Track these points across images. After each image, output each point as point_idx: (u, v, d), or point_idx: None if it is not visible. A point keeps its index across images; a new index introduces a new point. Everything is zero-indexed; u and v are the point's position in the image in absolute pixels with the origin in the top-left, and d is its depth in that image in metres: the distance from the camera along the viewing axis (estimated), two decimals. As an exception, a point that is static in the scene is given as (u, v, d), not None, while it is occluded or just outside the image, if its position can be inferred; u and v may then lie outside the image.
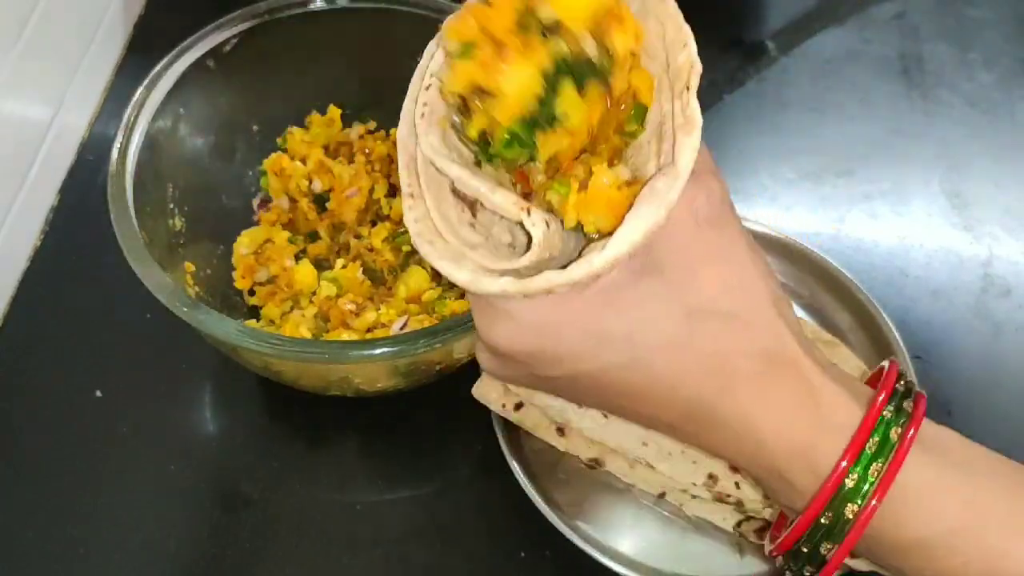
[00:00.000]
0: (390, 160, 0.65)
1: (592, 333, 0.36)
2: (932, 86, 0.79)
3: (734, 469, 0.53)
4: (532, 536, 0.56)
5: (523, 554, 0.56)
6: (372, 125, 0.67)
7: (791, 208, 0.72)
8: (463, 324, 0.49)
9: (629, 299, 0.36)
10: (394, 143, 0.65)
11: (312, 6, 0.60)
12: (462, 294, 0.61)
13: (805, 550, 0.38)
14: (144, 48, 0.77)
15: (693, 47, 0.36)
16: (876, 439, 0.36)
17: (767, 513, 0.53)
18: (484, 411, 0.56)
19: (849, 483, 0.36)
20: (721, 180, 0.38)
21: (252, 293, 0.62)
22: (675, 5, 0.37)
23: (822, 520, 0.37)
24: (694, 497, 0.54)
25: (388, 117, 0.66)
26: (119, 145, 0.53)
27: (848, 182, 0.73)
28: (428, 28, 0.59)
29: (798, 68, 0.79)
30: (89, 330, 0.63)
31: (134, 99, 0.55)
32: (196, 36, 0.57)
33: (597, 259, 0.33)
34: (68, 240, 0.67)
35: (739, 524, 0.54)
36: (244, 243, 0.62)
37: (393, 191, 0.65)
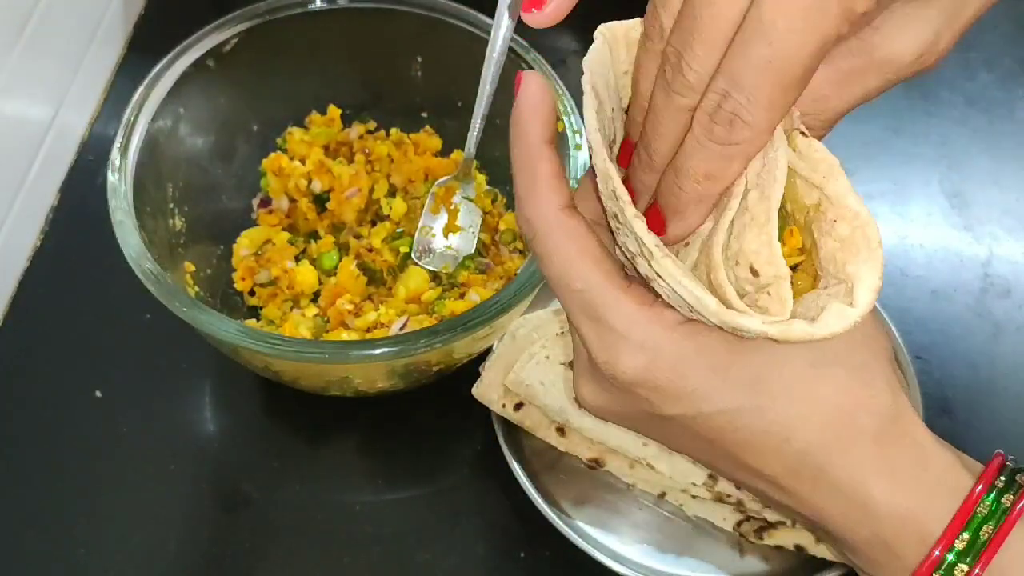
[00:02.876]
0: (390, 160, 0.65)
1: (719, 371, 0.35)
2: (932, 86, 0.79)
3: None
4: (532, 536, 0.56)
5: (523, 554, 0.56)
6: (372, 125, 0.67)
7: (791, 208, 0.72)
8: (463, 324, 0.49)
9: (758, 345, 0.35)
10: (395, 143, 0.66)
11: (312, 6, 0.60)
12: (462, 294, 0.61)
13: None
14: (144, 48, 0.77)
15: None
16: (988, 503, 0.35)
17: (767, 513, 0.53)
18: (484, 411, 0.56)
19: (960, 544, 0.35)
20: None
21: (252, 293, 0.62)
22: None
23: None
24: (694, 497, 0.54)
25: (388, 117, 0.66)
26: (119, 145, 0.53)
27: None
28: (427, 28, 0.60)
29: (798, 68, 0.79)
30: (89, 330, 0.63)
31: (134, 99, 0.55)
32: (196, 36, 0.57)
33: (854, 313, 0.32)
34: (68, 240, 0.67)
35: (739, 524, 0.54)
36: (244, 244, 0.62)
37: (393, 191, 0.65)
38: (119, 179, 0.52)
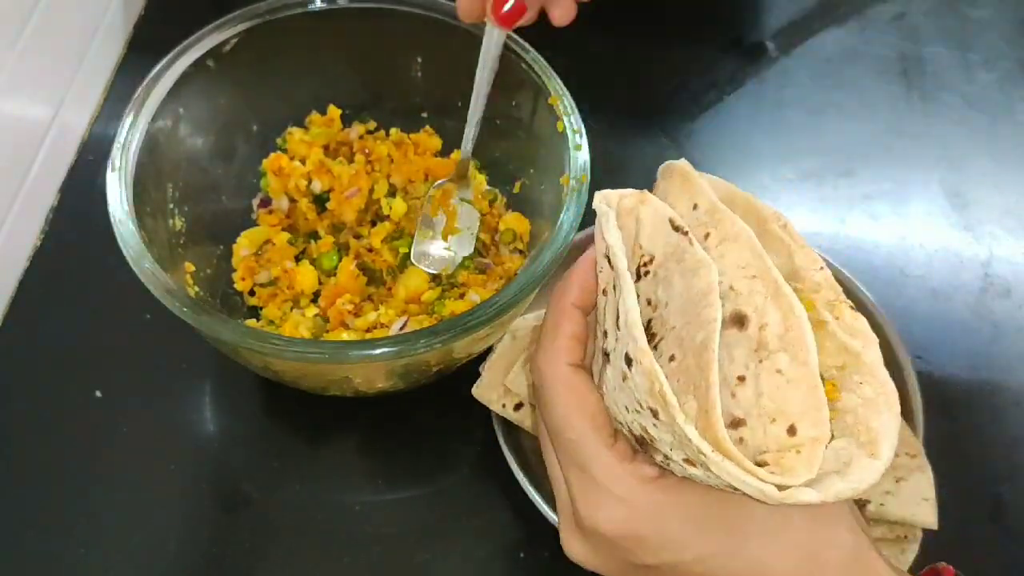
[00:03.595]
0: (390, 160, 0.65)
1: (696, 521, 0.37)
2: (932, 87, 0.79)
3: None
4: (532, 536, 0.56)
5: (523, 554, 0.56)
6: (372, 125, 0.67)
7: (791, 208, 0.72)
8: (463, 324, 0.49)
9: (727, 493, 0.37)
10: (395, 143, 0.66)
11: (312, 6, 0.60)
12: (462, 295, 0.61)
13: None
14: (144, 48, 0.77)
15: (829, 272, 0.39)
16: None
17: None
18: (484, 411, 0.56)
19: None
20: None
21: (252, 293, 0.62)
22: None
23: None
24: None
25: (387, 117, 0.66)
26: (119, 145, 0.53)
27: (848, 182, 0.73)
28: (427, 28, 0.60)
29: (798, 68, 0.79)
30: (89, 330, 0.63)
31: (134, 99, 0.54)
32: (196, 36, 0.57)
33: (880, 465, 0.35)
34: (68, 240, 0.67)
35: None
36: (244, 244, 0.62)
37: (393, 191, 0.65)
38: (119, 179, 0.52)
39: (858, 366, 0.36)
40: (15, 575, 0.55)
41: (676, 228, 0.38)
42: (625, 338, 0.36)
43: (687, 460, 0.35)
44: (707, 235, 0.38)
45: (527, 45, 0.57)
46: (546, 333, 0.40)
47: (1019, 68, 0.80)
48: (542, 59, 0.57)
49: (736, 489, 0.34)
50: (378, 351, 0.49)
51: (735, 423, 0.36)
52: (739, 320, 0.36)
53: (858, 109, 0.77)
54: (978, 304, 0.67)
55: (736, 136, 0.75)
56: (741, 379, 0.36)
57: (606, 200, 0.40)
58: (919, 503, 0.52)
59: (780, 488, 0.33)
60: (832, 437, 0.36)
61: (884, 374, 0.36)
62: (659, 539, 0.38)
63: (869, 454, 0.35)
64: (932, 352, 0.63)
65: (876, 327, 0.59)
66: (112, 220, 0.50)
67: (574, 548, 0.41)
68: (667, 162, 0.40)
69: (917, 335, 0.63)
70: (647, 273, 0.38)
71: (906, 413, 0.57)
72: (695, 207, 0.39)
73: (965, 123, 0.77)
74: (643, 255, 0.39)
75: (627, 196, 0.39)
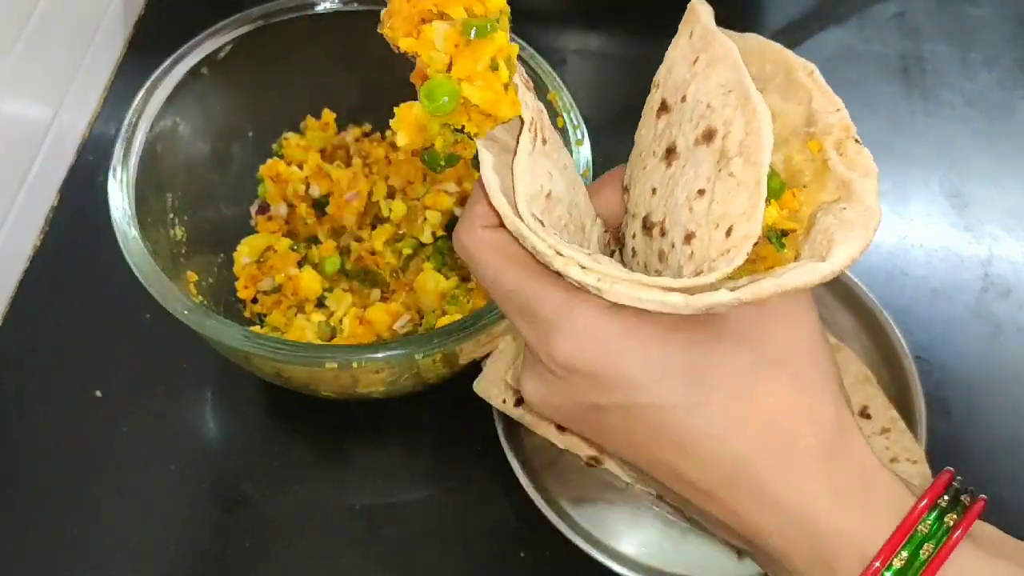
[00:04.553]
0: (387, 162, 0.65)
1: (656, 360, 0.34)
2: (932, 86, 0.79)
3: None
4: (532, 536, 0.56)
5: (523, 554, 0.56)
6: (367, 128, 0.66)
7: (791, 208, 0.72)
8: (465, 326, 0.49)
9: (692, 335, 0.35)
10: (391, 145, 0.65)
11: (305, 11, 0.59)
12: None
13: None
14: (144, 48, 0.77)
15: (846, 113, 0.37)
16: (929, 521, 0.34)
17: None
18: (484, 411, 0.56)
19: (898, 563, 0.34)
20: None
21: (255, 301, 0.62)
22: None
23: None
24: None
25: (383, 120, 0.66)
26: (119, 155, 0.53)
27: (848, 182, 0.73)
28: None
29: (798, 68, 0.79)
30: (89, 330, 0.63)
31: (132, 108, 0.54)
32: (191, 43, 0.57)
33: (826, 267, 0.32)
34: (68, 240, 0.67)
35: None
36: (245, 252, 0.62)
37: (392, 193, 0.65)
38: (121, 190, 0.52)
39: (849, 195, 0.34)
40: (15, 575, 0.55)
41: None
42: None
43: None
44: (696, 59, 0.37)
45: (524, 43, 0.57)
46: (465, 209, 0.38)
47: (1019, 67, 0.80)
48: (539, 56, 0.57)
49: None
50: (381, 355, 0.49)
51: (687, 237, 0.34)
52: (709, 135, 0.35)
53: (858, 108, 0.76)
54: (978, 304, 0.67)
55: (736, 136, 0.75)
56: (701, 192, 0.34)
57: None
58: None
59: (686, 296, 0.32)
60: (783, 246, 0.35)
61: (872, 200, 0.34)
62: (612, 376, 0.35)
63: (820, 259, 0.33)
64: (932, 352, 0.63)
65: (876, 327, 0.60)
66: (117, 233, 0.50)
67: (529, 389, 0.38)
68: None
69: (917, 335, 0.63)
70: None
71: (908, 414, 0.57)
72: (691, 35, 0.38)
73: (965, 122, 0.77)
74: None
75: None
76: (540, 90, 0.57)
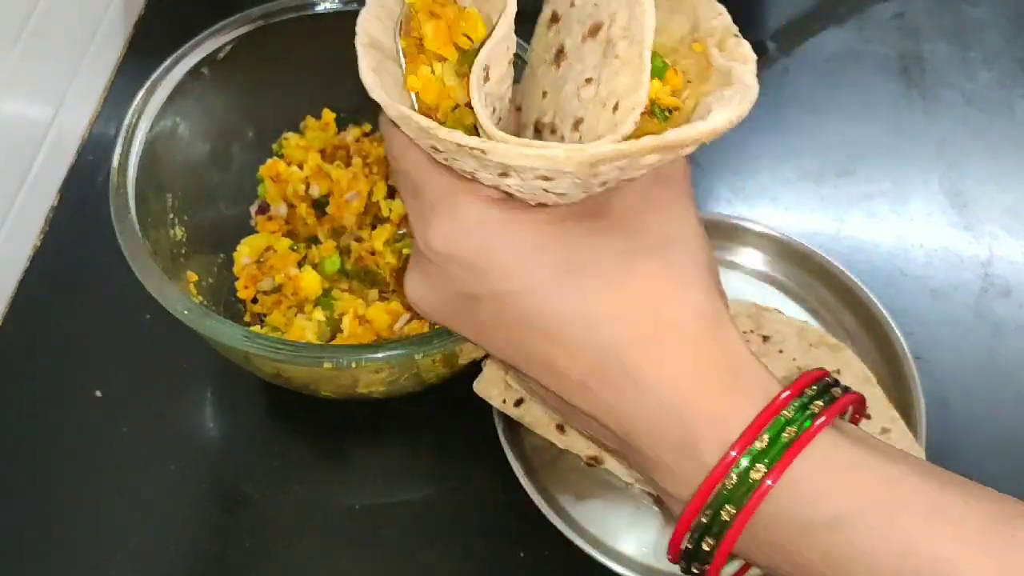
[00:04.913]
0: (387, 162, 0.65)
1: (531, 248, 0.35)
2: (932, 85, 0.79)
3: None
4: (532, 536, 0.56)
5: (523, 554, 0.56)
6: (367, 128, 0.66)
7: (791, 208, 0.72)
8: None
9: (570, 225, 0.35)
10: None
11: (305, 11, 0.59)
12: None
13: (695, 539, 0.35)
14: (144, 48, 0.77)
15: (727, 16, 0.38)
16: (793, 407, 0.34)
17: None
18: (484, 411, 0.56)
19: (759, 445, 0.33)
20: (686, 157, 0.37)
21: (255, 301, 0.62)
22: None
23: (723, 492, 0.33)
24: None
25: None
26: (119, 156, 0.53)
27: (848, 182, 0.73)
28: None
29: (798, 68, 0.79)
30: (89, 330, 0.63)
31: (131, 108, 0.54)
32: (191, 43, 0.57)
33: (704, 125, 0.34)
34: (68, 240, 0.67)
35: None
36: (245, 252, 0.62)
37: (392, 193, 0.65)
38: (121, 192, 0.52)
39: (729, 81, 0.36)
40: (14, 575, 0.55)
41: None
42: None
43: (501, 174, 0.34)
44: None
45: (525, 45, 0.57)
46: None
47: (1019, 66, 0.80)
48: None
49: (543, 177, 0.33)
50: (381, 355, 0.49)
51: (576, 124, 0.35)
52: (595, 29, 0.35)
53: (858, 108, 0.77)
54: (978, 304, 0.67)
55: (736, 136, 0.75)
56: (588, 80, 0.35)
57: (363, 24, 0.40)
58: None
59: (566, 148, 0.33)
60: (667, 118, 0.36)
61: (751, 79, 0.36)
62: (487, 263, 0.35)
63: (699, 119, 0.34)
64: (932, 352, 0.63)
65: (876, 327, 0.60)
66: (118, 234, 0.50)
67: (409, 283, 0.39)
68: None
69: (917, 335, 0.63)
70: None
71: (908, 414, 0.57)
72: None
73: (965, 121, 0.77)
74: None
75: None
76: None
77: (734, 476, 0.33)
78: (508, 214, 0.35)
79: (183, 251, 0.57)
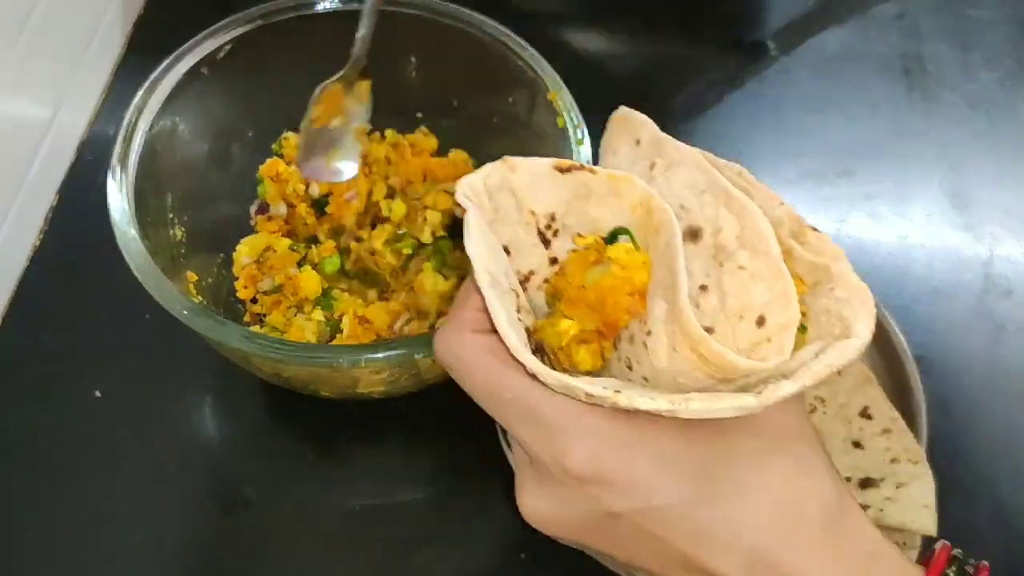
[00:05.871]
0: (387, 162, 0.65)
1: (667, 460, 0.35)
2: (933, 86, 0.79)
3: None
4: (532, 536, 0.55)
5: (523, 555, 0.56)
6: (367, 127, 0.66)
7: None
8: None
9: (703, 434, 0.35)
10: (391, 145, 0.65)
11: (304, 10, 0.59)
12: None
13: None
14: (144, 48, 0.77)
15: (789, 205, 0.39)
16: None
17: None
18: (484, 411, 0.56)
19: None
20: None
21: (254, 301, 0.62)
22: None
23: None
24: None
25: (382, 119, 0.66)
26: (118, 156, 0.53)
27: (849, 182, 0.73)
28: (421, 28, 0.60)
29: (798, 68, 0.79)
30: (89, 330, 0.63)
31: (131, 108, 0.54)
32: (190, 43, 0.57)
33: (857, 341, 0.34)
34: (68, 240, 0.67)
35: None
36: (244, 252, 0.62)
37: (391, 193, 0.65)
38: (120, 191, 0.52)
39: (829, 277, 0.36)
40: (14, 575, 0.55)
41: (563, 170, 0.37)
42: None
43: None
44: (652, 165, 0.37)
45: (524, 43, 0.57)
46: (452, 311, 0.38)
47: (1020, 67, 0.80)
48: (538, 55, 0.57)
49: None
50: (381, 355, 0.48)
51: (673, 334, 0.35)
52: (693, 234, 0.35)
53: (859, 108, 0.77)
54: (979, 304, 0.67)
55: (736, 136, 0.75)
56: (703, 288, 0.35)
57: (470, 187, 0.37)
58: (919, 510, 0.52)
59: (757, 394, 0.32)
60: (805, 330, 0.35)
61: (856, 279, 0.36)
62: (628, 479, 0.35)
63: (844, 338, 0.34)
64: (932, 352, 0.63)
65: (877, 327, 0.59)
66: (117, 234, 0.50)
67: (532, 504, 0.38)
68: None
69: (918, 335, 0.63)
70: (555, 232, 0.37)
71: (909, 414, 0.56)
72: (638, 143, 0.38)
73: (966, 122, 0.77)
74: (539, 217, 0.37)
75: (491, 173, 0.37)
76: (540, 90, 0.57)
77: None
78: (640, 431, 0.35)
79: (182, 251, 0.57)
